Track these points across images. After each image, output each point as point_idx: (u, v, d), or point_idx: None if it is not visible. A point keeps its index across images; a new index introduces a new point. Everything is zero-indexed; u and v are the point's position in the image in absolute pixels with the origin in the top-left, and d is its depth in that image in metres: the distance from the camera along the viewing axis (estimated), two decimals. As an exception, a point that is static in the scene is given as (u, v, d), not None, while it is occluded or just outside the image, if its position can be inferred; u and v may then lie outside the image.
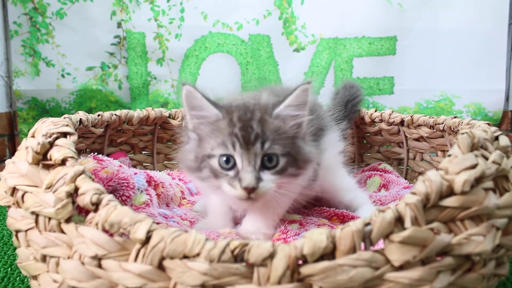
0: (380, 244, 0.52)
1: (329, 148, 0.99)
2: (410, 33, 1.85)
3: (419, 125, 1.20)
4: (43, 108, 1.84)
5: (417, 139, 1.26)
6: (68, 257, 0.56)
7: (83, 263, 0.55)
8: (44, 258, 0.60)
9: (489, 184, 0.57)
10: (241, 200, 0.76)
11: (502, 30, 1.80)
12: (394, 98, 1.89)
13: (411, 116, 1.22)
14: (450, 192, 0.54)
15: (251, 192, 0.74)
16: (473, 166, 0.56)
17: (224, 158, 0.76)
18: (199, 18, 1.85)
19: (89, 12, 1.81)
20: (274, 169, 0.76)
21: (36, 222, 0.60)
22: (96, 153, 0.99)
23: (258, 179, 0.74)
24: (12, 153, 1.85)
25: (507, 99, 1.84)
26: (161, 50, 1.86)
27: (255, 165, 0.75)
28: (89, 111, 1.85)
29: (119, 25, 1.84)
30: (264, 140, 0.76)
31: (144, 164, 1.38)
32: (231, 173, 0.76)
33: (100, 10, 1.82)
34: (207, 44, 1.87)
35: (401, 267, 0.51)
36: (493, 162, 0.60)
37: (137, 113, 1.27)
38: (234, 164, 0.76)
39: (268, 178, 0.76)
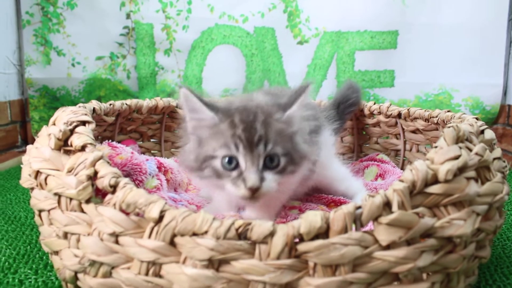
0: (370, 226, 0.58)
1: (323, 145, 1.04)
2: (411, 27, 1.89)
3: (415, 118, 1.25)
4: (53, 96, 1.90)
5: (413, 131, 1.31)
6: (88, 234, 0.62)
7: (102, 239, 0.60)
8: (65, 235, 0.66)
9: (471, 173, 0.62)
10: (244, 199, 0.78)
11: (501, 25, 1.84)
12: (394, 91, 1.94)
13: (408, 109, 1.27)
14: (435, 180, 0.59)
15: (255, 192, 0.76)
16: (457, 157, 0.61)
17: (227, 159, 0.78)
18: (206, 10, 1.90)
19: (99, 3, 1.87)
20: (276, 169, 0.79)
21: (59, 202, 0.66)
22: (109, 140, 1.04)
23: (262, 179, 0.77)
24: (23, 139, 1.91)
25: (504, 93, 1.89)
26: (169, 41, 1.91)
27: (259, 165, 0.77)
28: (98, 99, 1.89)
29: (128, 16, 1.89)
30: (267, 141, 0.78)
31: (152, 151, 1.44)
32: (234, 173, 0.78)
33: (110, 1, 1.87)
34: (213, 35, 1.92)
35: (388, 247, 0.56)
36: (476, 153, 0.65)
37: (146, 103, 1.32)
38: (237, 165, 0.78)
39: (271, 178, 0.78)
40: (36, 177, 0.71)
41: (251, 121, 0.79)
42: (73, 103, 1.89)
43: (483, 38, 1.86)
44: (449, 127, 0.66)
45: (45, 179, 0.69)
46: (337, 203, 1.01)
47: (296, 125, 0.83)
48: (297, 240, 0.55)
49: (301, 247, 0.55)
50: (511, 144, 1.82)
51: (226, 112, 0.81)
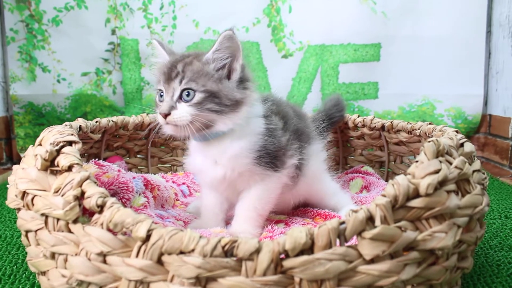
0: (354, 240, 0.59)
1: (314, 157, 1.06)
2: (393, 40, 1.93)
3: (398, 130, 1.27)
4: (39, 113, 1.89)
5: (396, 143, 1.33)
6: (76, 254, 0.62)
7: (89, 259, 0.61)
8: (53, 255, 0.66)
9: (451, 187, 0.64)
10: (164, 125, 0.91)
11: (480, 38, 1.89)
12: (378, 103, 1.97)
13: (391, 122, 1.29)
14: (416, 194, 0.61)
15: (165, 117, 0.88)
16: (437, 171, 0.63)
17: (160, 92, 0.93)
18: (191, 26, 1.92)
19: (84, 20, 1.88)
20: (190, 102, 0.88)
21: (46, 223, 0.66)
22: (95, 158, 1.05)
23: (172, 107, 0.88)
24: (8, 156, 1.90)
25: (485, 103, 1.93)
26: (154, 56, 1.92)
27: (173, 97, 0.89)
28: (84, 115, 1.91)
29: (113, 32, 1.90)
30: (183, 77, 0.89)
31: (138, 167, 1.44)
32: (161, 104, 0.91)
33: (95, 18, 1.88)
34: (199, 50, 1.93)
35: (371, 261, 0.57)
36: (456, 167, 0.67)
37: (132, 119, 1.33)
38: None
39: (182, 108, 0.88)
40: (22, 198, 0.71)
41: (177, 61, 0.92)
42: (59, 119, 1.89)
43: (463, 50, 1.90)
44: (429, 141, 0.68)
45: (32, 199, 0.69)
46: (323, 216, 1.03)
47: (215, 66, 0.92)
48: (282, 256, 0.56)
49: (287, 263, 0.56)
50: (493, 153, 1.86)
51: (173, 57, 0.96)
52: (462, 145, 0.79)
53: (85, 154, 1.20)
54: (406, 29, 1.92)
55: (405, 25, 1.92)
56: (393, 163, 1.39)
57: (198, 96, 0.88)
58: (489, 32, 1.90)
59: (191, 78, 0.89)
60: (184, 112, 0.88)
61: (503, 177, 1.68)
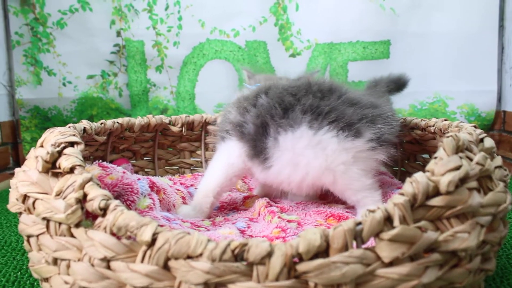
0: (371, 242, 0.56)
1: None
2: (403, 37, 1.89)
3: (412, 128, 1.23)
4: (45, 116, 1.87)
5: (410, 141, 1.30)
6: (79, 260, 0.60)
7: (92, 265, 0.58)
8: (55, 261, 0.63)
9: (473, 184, 0.60)
10: None
11: (492, 32, 1.84)
12: (389, 101, 1.93)
13: (404, 119, 1.25)
14: (436, 192, 0.58)
15: None
16: (458, 168, 0.59)
17: None
18: (197, 26, 1.89)
19: (89, 22, 1.85)
20: None
21: (47, 227, 0.64)
22: (100, 160, 1.02)
23: None
24: (15, 161, 1.88)
25: (499, 99, 1.88)
26: (160, 57, 1.90)
27: None
28: (90, 118, 1.89)
29: (118, 34, 1.88)
30: None
31: (145, 169, 1.42)
32: None
33: (100, 20, 1.86)
34: (205, 51, 1.91)
35: (390, 263, 0.54)
36: (477, 163, 0.64)
37: (138, 121, 1.30)
38: None
39: None
40: (23, 201, 0.68)
41: None
42: (65, 122, 1.87)
43: (475, 45, 1.86)
44: (448, 136, 0.65)
45: (33, 203, 0.67)
46: (336, 217, 0.99)
47: None
48: (296, 259, 0.53)
49: (301, 267, 0.53)
50: (508, 150, 1.81)
51: None
52: (481, 140, 0.75)
53: (91, 157, 1.18)
54: (415, 25, 1.88)
55: (415, 21, 1.87)
56: (406, 161, 1.35)
57: None
58: (501, 26, 1.85)
59: None
60: None
61: (519, 175, 1.63)
